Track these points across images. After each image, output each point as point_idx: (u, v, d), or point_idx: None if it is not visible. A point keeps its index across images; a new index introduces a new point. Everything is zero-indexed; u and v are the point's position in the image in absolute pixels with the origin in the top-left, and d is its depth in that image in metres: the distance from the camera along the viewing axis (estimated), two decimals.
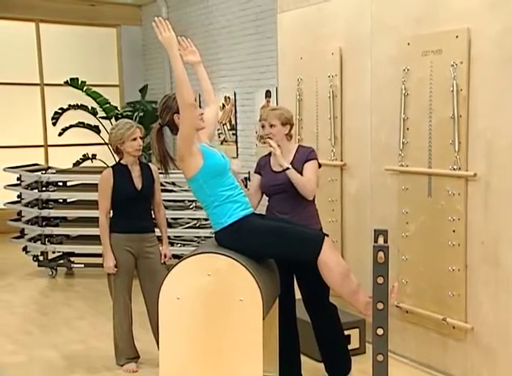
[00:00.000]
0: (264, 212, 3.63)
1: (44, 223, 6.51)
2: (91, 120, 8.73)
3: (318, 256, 3.07)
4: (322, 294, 3.59)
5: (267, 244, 3.12)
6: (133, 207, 4.01)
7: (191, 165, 3.09)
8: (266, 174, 3.69)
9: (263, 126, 3.65)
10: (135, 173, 4.05)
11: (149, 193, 4.11)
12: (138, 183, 4.03)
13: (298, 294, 3.72)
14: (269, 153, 3.75)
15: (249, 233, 3.11)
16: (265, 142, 3.72)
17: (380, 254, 2.95)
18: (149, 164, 4.24)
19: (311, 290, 3.62)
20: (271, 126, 3.61)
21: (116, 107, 8.94)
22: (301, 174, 3.57)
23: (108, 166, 4.26)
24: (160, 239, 4.21)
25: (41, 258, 6.67)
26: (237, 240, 3.10)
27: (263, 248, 3.14)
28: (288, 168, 3.53)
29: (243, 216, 3.14)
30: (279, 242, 3.11)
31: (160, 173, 3.59)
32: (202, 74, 3.55)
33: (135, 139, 3.99)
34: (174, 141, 3.15)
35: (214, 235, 3.23)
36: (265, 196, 3.76)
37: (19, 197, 6.82)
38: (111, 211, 4.05)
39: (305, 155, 3.62)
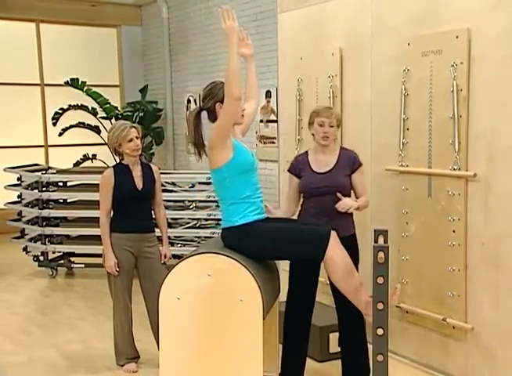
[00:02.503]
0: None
1: (44, 223, 6.51)
2: (92, 120, 8.73)
3: (325, 253, 3.07)
4: None
5: (275, 246, 3.13)
6: (134, 207, 4.02)
7: (220, 156, 3.08)
8: (307, 176, 3.60)
9: (322, 125, 3.55)
10: (136, 173, 4.05)
11: (150, 193, 4.11)
12: (139, 183, 4.04)
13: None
14: (306, 152, 3.71)
15: (256, 236, 3.12)
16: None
17: (381, 254, 2.95)
18: (150, 164, 4.24)
19: None
20: (330, 126, 3.56)
21: (116, 107, 8.94)
22: (348, 179, 3.55)
23: (109, 166, 4.26)
24: (160, 239, 4.21)
25: (41, 258, 6.67)
26: (244, 241, 3.11)
27: (271, 251, 3.16)
28: (358, 207, 3.47)
29: (254, 220, 3.15)
30: (288, 243, 3.12)
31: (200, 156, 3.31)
32: (251, 68, 3.54)
33: (131, 140, 3.98)
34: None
35: (221, 230, 3.24)
36: None
37: (19, 197, 6.82)
38: (111, 211, 4.05)
39: (351, 161, 3.58)
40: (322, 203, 3.50)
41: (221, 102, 3.09)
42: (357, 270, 3.32)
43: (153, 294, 3.80)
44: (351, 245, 3.44)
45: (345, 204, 3.40)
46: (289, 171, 3.71)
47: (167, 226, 4.29)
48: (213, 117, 3.19)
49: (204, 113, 3.25)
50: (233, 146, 3.10)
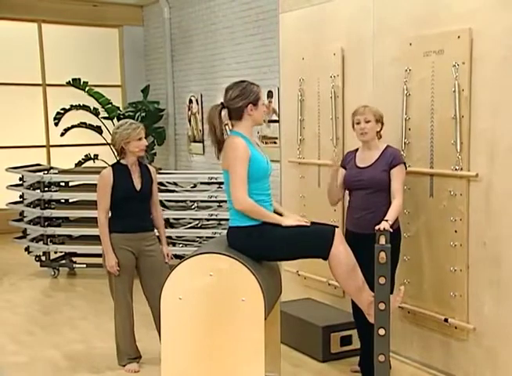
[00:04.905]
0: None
1: (46, 223, 6.51)
2: (94, 120, 8.74)
3: (330, 250, 3.08)
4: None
5: (280, 247, 3.16)
6: (132, 207, 4.02)
7: None
8: (350, 169, 3.73)
9: (358, 122, 3.65)
10: (135, 173, 4.07)
11: (148, 192, 4.12)
12: (137, 183, 4.05)
13: None
14: (356, 149, 3.79)
15: (262, 238, 3.14)
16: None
17: (382, 254, 2.96)
18: (148, 164, 4.27)
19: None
20: (366, 122, 3.62)
21: (118, 108, 8.95)
22: (386, 177, 3.56)
23: (108, 165, 4.27)
24: (159, 239, 4.22)
25: (43, 258, 6.67)
26: (249, 242, 3.13)
27: (276, 252, 3.18)
28: (387, 220, 3.36)
29: (261, 223, 3.16)
30: (293, 244, 3.15)
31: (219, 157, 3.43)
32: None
33: (140, 139, 4.02)
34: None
35: (227, 228, 3.25)
36: None
37: (21, 197, 6.82)
38: (110, 211, 4.06)
39: (391, 157, 3.60)
40: (362, 196, 3.61)
41: (253, 104, 3.18)
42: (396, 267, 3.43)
43: (156, 291, 3.80)
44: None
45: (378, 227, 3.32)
46: (340, 165, 3.85)
47: (164, 226, 4.30)
48: (236, 116, 3.20)
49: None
50: (249, 157, 3.12)
